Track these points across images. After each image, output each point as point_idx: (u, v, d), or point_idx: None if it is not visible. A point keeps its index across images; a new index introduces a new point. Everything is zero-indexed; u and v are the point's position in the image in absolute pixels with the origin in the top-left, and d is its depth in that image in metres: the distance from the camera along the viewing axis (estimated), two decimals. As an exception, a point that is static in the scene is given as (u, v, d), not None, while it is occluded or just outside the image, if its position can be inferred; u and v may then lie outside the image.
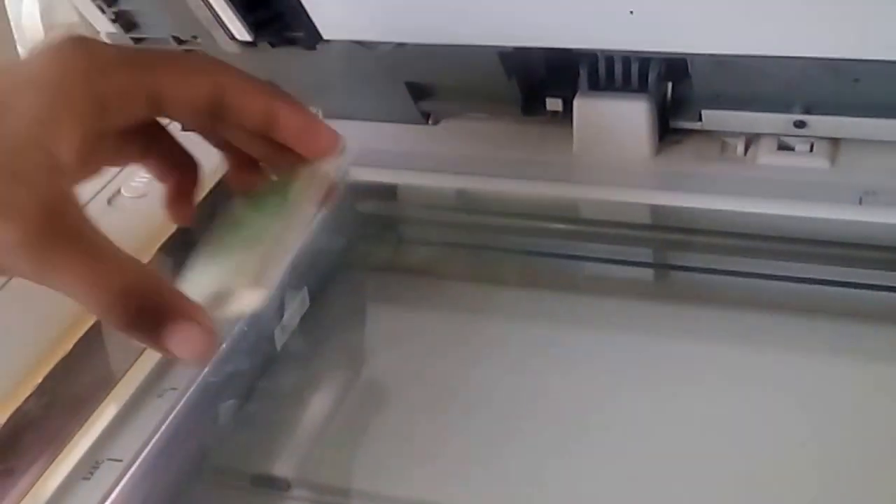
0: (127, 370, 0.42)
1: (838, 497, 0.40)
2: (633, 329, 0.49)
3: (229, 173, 0.41)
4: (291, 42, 0.55)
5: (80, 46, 0.34)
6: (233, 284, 0.35)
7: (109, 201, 0.53)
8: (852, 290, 0.49)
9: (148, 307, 0.31)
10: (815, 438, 0.42)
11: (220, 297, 0.35)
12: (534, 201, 0.53)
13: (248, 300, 0.34)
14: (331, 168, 0.39)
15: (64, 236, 0.30)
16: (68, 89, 0.33)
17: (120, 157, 0.38)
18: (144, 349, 0.44)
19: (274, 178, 0.40)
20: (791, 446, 0.42)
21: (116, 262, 0.31)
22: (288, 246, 0.36)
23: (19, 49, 0.75)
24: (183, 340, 0.31)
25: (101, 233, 0.31)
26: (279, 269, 0.35)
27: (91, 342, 0.45)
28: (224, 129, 0.38)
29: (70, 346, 0.45)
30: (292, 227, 0.37)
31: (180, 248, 0.37)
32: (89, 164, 0.35)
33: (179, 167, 0.40)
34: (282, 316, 0.48)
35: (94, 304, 0.31)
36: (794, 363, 0.46)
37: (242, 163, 0.40)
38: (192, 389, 0.43)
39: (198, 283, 0.36)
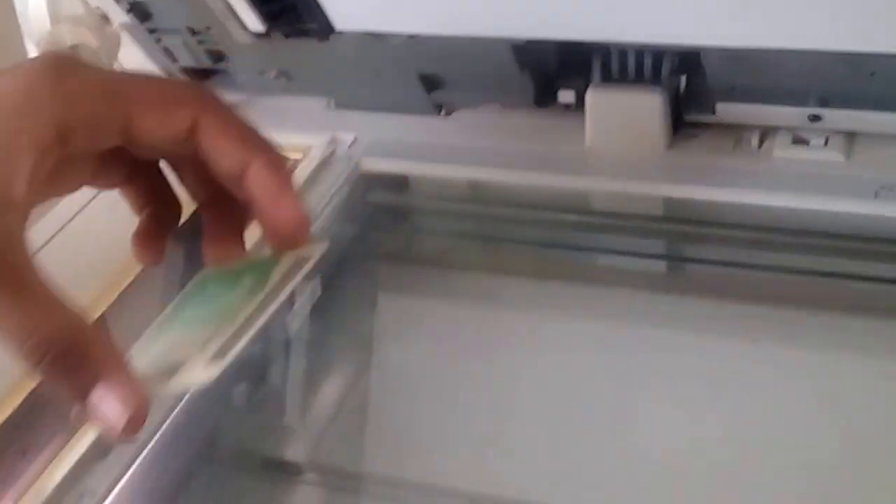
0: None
1: (848, 491, 0.40)
2: (644, 321, 0.48)
3: (205, 240, 0.38)
4: (304, 33, 0.55)
5: (49, 70, 0.32)
6: (189, 357, 0.34)
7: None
8: (867, 284, 0.49)
9: (72, 359, 0.30)
10: (828, 433, 0.42)
11: (171, 369, 0.33)
12: (545, 193, 0.53)
13: (200, 374, 0.32)
14: (312, 258, 0.37)
15: None
16: (28, 117, 0.31)
17: (96, 180, 0.36)
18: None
19: (251, 258, 0.38)
20: (805, 440, 0.42)
21: (48, 306, 0.30)
22: (253, 326, 0.34)
23: (26, 41, 0.76)
24: (103, 402, 0.30)
25: (39, 274, 0.30)
26: (239, 348, 0.33)
27: (103, 326, 0.44)
28: (202, 179, 0.36)
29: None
30: (263, 311, 0.35)
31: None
32: (54, 186, 0.33)
33: (157, 202, 0.37)
34: (293, 303, 0.47)
35: (14, 346, 0.30)
36: (806, 357, 0.46)
37: (221, 232, 0.37)
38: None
39: (151, 351, 0.35)
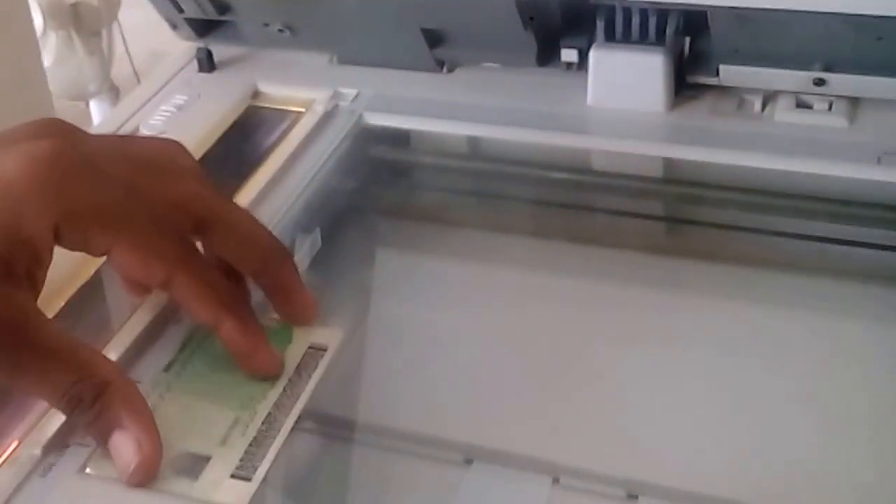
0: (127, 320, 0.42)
1: (842, 456, 0.40)
2: (640, 282, 0.48)
3: None
4: (311, -16, 0.55)
5: (51, 167, 0.34)
6: (213, 456, 0.35)
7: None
8: (868, 251, 0.49)
9: (95, 410, 0.33)
10: (825, 396, 0.42)
11: (189, 459, 0.35)
12: (546, 151, 0.52)
13: (235, 496, 0.33)
14: (328, 350, 0.39)
15: (19, 347, 0.32)
16: (33, 218, 0.34)
17: None
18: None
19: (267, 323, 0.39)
20: (804, 404, 0.42)
21: (72, 367, 0.33)
22: (277, 436, 0.36)
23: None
24: (119, 448, 0.33)
25: (62, 337, 0.33)
26: (268, 462, 0.35)
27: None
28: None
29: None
30: (285, 412, 0.37)
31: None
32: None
33: None
34: (293, 255, 0.48)
35: (50, 403, 0.34)
36: (803, 322, 0.46)
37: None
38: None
39: (171, 421, 0.36)
